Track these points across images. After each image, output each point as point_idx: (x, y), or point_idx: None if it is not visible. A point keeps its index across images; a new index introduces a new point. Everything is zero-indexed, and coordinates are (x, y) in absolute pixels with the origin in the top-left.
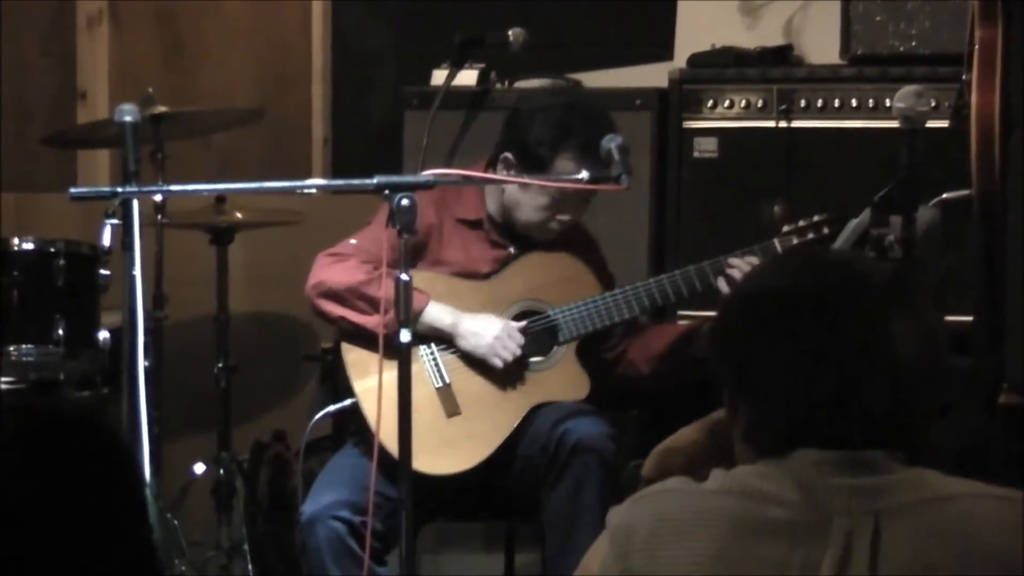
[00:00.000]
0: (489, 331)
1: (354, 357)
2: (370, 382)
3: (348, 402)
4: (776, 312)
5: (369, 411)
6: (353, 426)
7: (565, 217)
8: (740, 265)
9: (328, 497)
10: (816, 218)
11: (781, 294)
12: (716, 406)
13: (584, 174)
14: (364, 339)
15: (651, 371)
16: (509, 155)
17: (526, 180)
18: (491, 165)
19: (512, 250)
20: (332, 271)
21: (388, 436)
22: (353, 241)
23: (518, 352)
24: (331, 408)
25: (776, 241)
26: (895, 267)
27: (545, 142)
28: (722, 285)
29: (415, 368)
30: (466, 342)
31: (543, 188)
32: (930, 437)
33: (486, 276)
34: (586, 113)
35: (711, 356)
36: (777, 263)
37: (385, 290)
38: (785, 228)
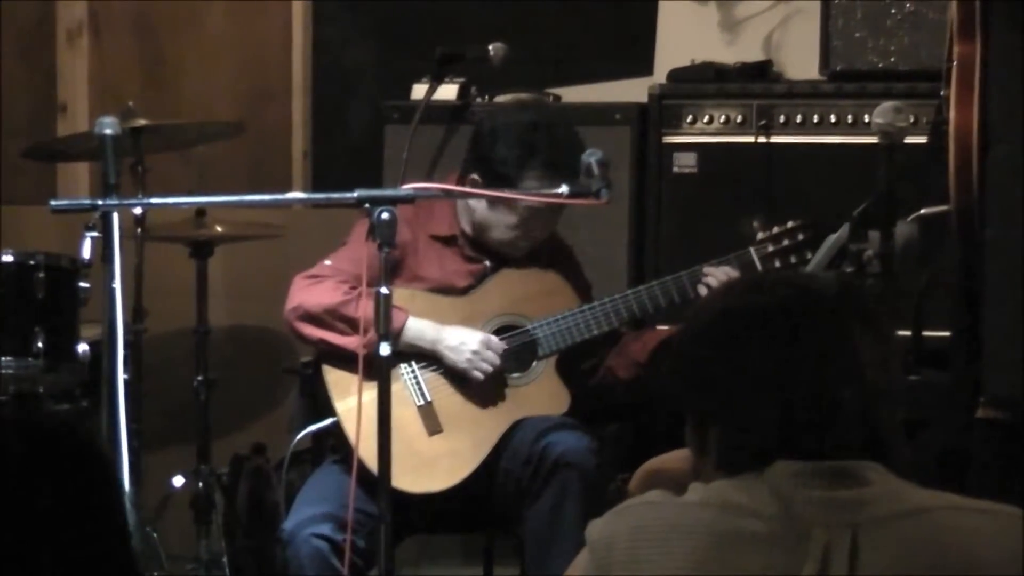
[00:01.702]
0: (468, 344)
1: (335, 377)
2: (351, 402)
3: (329, 421)
4: (735, 333)
5: (351, 431)
6: (334, 443)
7: (536, 233)
8: (716, 274)
9: (310, 515)
10: (791, 224)
11: (738, 316)
12: None
13: (564, 188)
14: (344, 360)
15: (629, 377)
16: (475, 176)
17: (507, 194)
18: (460, 182)
19: (488, 264)
20: (309, 293)
21: (370, 454)
22: (328, 262)
23: (497, 364)
24: (313, 428)
25: (752, 250)
26: (847, 279)
27: (509, 161)
28: (702, 292)
29: (396, 388)
30: (445, 358)
31: (512, 207)
32: (902, 448)
33: (464, 291)
34: (549, 130)
35: (673, 390)
36: (726, 288)
37: (364, 310)
38: (760, 236)
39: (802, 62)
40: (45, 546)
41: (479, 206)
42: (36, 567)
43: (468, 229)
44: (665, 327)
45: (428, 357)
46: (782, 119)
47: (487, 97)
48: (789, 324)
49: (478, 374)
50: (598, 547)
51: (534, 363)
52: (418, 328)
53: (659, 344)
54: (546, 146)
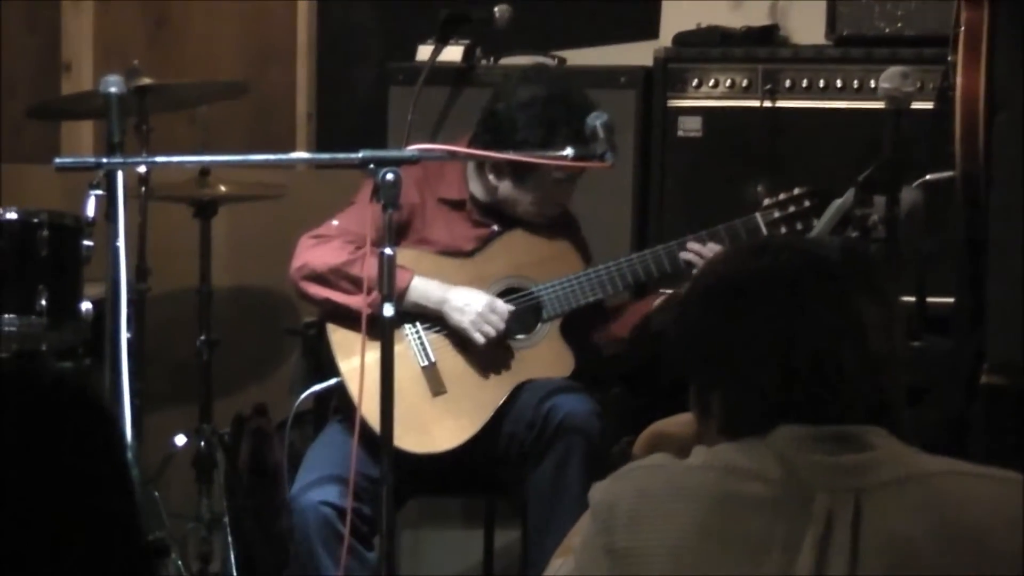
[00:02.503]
0: (473, 306)
1: (339, 337)
2: (355, 362)
3: (333, 381)
4: (738, 298)
5: (355, 391)
6: (338, 403)
7: (561, 201)
8: (701, 251)
9: (316, 479)
10: (796, 191)
11: (740, 280)
12: None
13: (568, 151)
14: (349, 319)
15: (631, 339)
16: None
17: (512, 157)
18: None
19: (495, 228)
20: (315, 253)
21: (373, 415)
22: (335, 222)
23: (502, 327)
24: (317, 387)
25: (757, 215)
26: (850, 244)
27: (534, 143)
28: (684, 264)
29: (400, 348)
30: (450, 318)
31: (539, 183)
32: (906, 413)
33: (470, 254)
34: (565, 100)
35: (676, 355)
36: (729, 253)
37: (369, 269)
38: (766, 202)
39: (808, 27)
40: (46, 498)
41: (503, 184)
42: (38, 520)
43: (479, 193)
44: (669, 291)
45: (433, 318)
46: (788, 84)
47: (492, 59)
48: (791, 288)
49: (482, 336)
50: (600, 510)
51: (538, 326)
52: (423, 288)
53: (657, 307)
54: (567, 118)
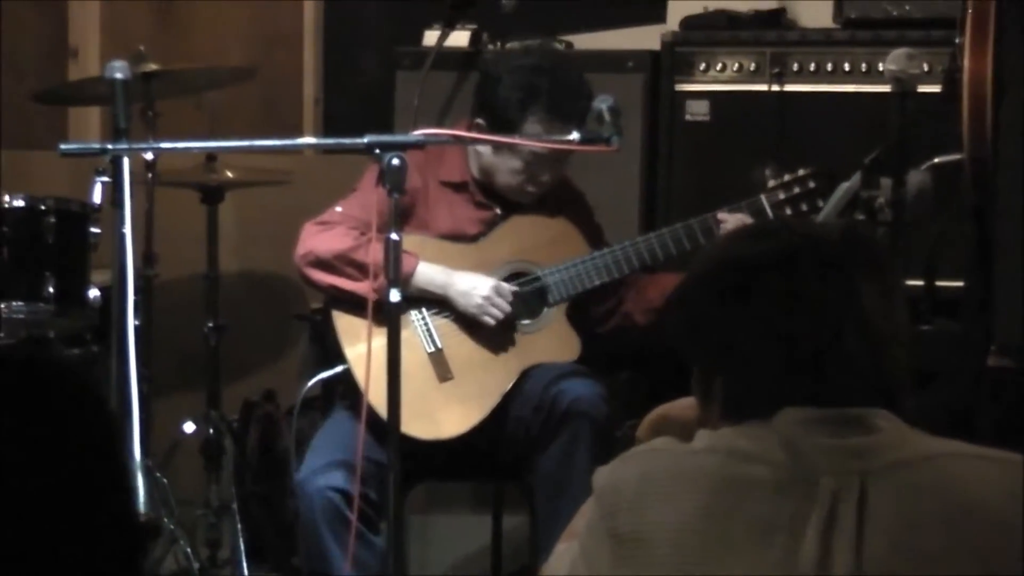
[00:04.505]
0: (479, 290)
1: (345, 324)
2: (361, 348)
3: (340, 368)
4: (738, 282)
5: (361, 377)
6: (344, 389)
7: (543, 178)
8: (730, 220)
9: (323, 464)
10: (802, 172)
11: (741, 263)
12: None
13: (574, 135)
14: (355, 305)
15: (647, 322)
16: (480, 120)
17: (515, 140)
18: (468, 128)
19: (498, 211)
20: (320, 239)
21: (380, 401)
22: (339, 209)
23: (508, 310)
24: (323, 375)
25: (763, 197)
26: (853, 226)
27: (512, 104)
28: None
29: (406, 334)
30: (456, 302)
31: (516, 152)
32: (911, 395)
33: (474, 238)
34: (553, 73)
35: (678, 340)
36: (728, 236)
37: (374, 255)
38: (772, 183)
39: (816, 10)
40: (36, 484)
41: (485, 151)
42: (27, 504)
43: (479, 174)
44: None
45: (439, 303)
46: (795, 67)
47: (499, 44)
48: (792, 271)
49: (488, 319)
50: (604, 494)
51: (544, 310)
52: (428, 273)
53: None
54: (549, 89)
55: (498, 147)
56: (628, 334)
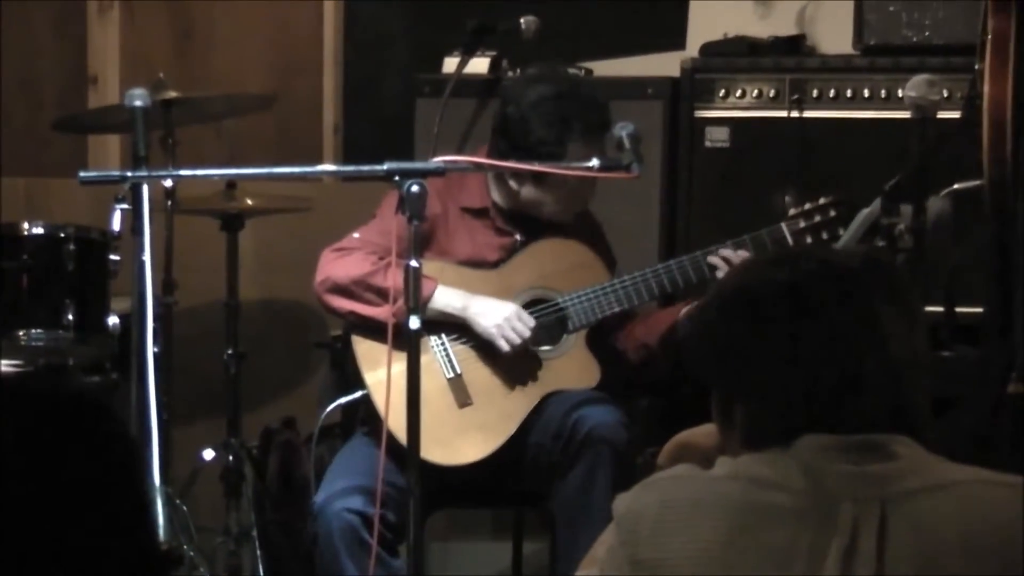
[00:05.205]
0: (499, 314)
1: (364, 349)
2: (381, 374)
3: (359, 394)
4: (758, 309)
5: (380, 403)
6: (364, 415)
7: (583, 202)
8: (731, 257)
9: (341, 488)
10: (822, 200)
11: (761, 290)
12: None
13: (595, 162)
14: (374, 331)
15: (660, 347)
16: (503, 149)
17: (538, 168)
18: (490, 156)
19: (519, 237)
20: (338, 266)
21: (399, 427)
22: (357, 235)
23: (527, 335)
24: (343, 400)
25: (784, 225)
26: (873, 253)
27: (549, 140)
28: (712, 270)
29: (426, 360)
30: (475, 325)
31: (557, 182)
32: (930, 422)
33: (494, 264)
34: (577, 95)
35: (698, 366)
36: (749, 264)
37: (393, 279)
38: (792, 211)
39: (836, 36)
40: (59, 515)
41: (524, 188)
42: (51, 535)
43: (500, 200)
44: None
45: (458, 329)
46: (815, 93)
47: (519, 71)
48: (811, 298)
49: (504, 344)
50: (625, 521)
51: (564, 336)
52: (447, 296)
53: (685, 315)
54: (579, 112)
55: (541, 182)
56: (645, 365)
